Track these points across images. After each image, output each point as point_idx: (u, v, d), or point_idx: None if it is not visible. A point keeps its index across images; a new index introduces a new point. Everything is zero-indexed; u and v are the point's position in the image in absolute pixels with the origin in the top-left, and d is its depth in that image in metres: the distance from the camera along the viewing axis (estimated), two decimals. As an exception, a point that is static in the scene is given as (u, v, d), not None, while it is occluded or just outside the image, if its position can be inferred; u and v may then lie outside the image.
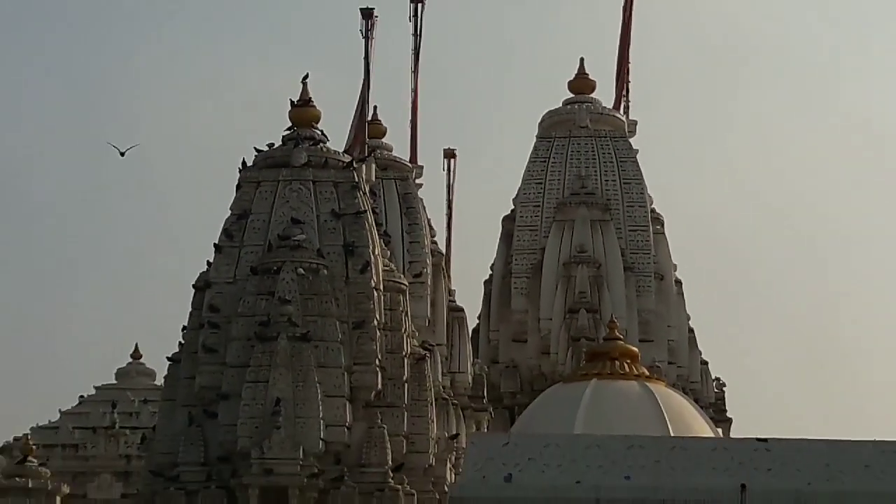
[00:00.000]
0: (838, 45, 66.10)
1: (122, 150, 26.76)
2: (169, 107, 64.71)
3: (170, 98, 66.85)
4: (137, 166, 59.92)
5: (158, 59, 63.46)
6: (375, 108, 22.14)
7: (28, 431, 24.12)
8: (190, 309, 16.47)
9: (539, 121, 26.16)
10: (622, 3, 26.81)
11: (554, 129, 25.48)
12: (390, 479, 14.85)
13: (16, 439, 24.26)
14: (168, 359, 16.60)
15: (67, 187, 61.30)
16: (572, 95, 26.29)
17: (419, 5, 22.27)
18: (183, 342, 16.30)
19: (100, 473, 24.62)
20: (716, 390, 25.49)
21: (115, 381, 27.22)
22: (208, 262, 16.42)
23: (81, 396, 26.89)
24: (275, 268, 15.30)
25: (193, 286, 16.73)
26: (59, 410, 26.32)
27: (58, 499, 20.31)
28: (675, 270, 26.07)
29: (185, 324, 16.42)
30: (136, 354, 28.15)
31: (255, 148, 16.98)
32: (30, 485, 19.89)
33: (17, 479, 20.04)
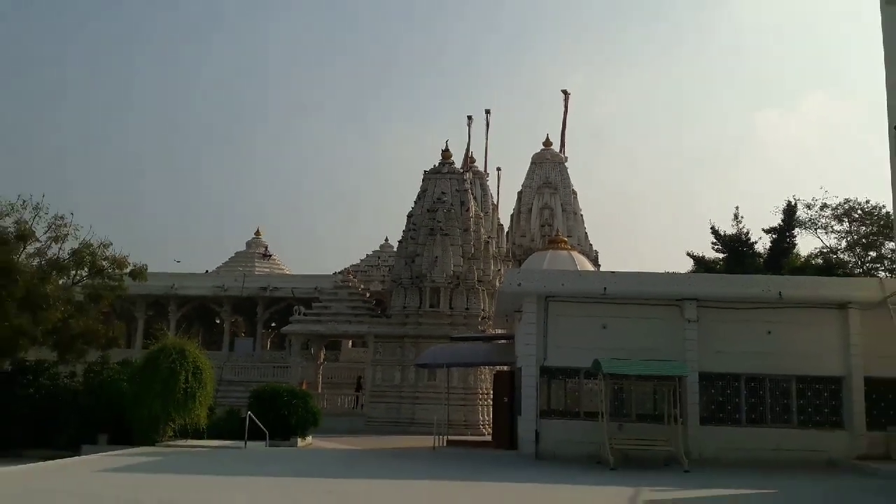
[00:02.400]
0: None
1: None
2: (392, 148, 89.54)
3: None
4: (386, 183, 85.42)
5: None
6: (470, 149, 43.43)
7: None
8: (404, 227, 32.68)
9: (531, 157, 46.03)
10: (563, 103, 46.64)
11: (538, 158, 45.71)
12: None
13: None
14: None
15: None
16: (543, 148, 46.25)
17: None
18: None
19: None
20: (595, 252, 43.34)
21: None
22: (410, 212, 36.09)
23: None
24: (436, 208, 34.92)
25: (408, 216, 31.99)
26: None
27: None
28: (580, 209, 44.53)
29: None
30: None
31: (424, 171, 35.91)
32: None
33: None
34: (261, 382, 26.70)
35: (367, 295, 33.38)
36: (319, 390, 30.27)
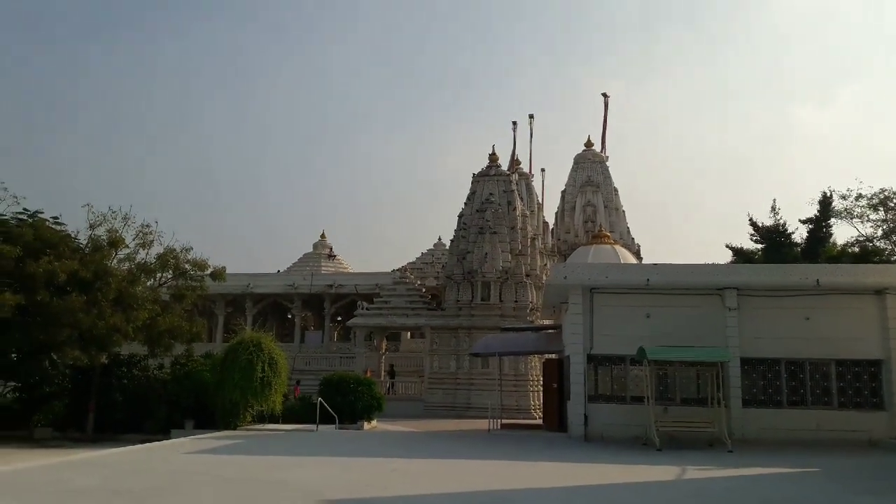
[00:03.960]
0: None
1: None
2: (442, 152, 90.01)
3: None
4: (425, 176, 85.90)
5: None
6: (515, 152, 43.36)
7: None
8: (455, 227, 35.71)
9: (574, 157, 45.50)
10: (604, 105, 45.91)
11: (580, 158, 45.12)
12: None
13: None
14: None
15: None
16: (585, 148, 45.71)
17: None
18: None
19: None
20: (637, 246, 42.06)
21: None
22: (461, 212, 36.44)
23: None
24: (485, 208, 35.30)
25: (459, 216, 32.55)
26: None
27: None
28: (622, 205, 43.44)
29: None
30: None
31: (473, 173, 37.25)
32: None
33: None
34: (329, 371, 27.10)
35: (423, 290, 33.55)
36: (383, 378, 30.57)
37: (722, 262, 35.08)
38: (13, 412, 21.84)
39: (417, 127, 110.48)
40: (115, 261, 22.09)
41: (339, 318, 43.56)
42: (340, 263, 47.70)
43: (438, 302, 31.97)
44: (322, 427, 19.51)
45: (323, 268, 45.03)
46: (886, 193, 31.48)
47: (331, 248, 48.55)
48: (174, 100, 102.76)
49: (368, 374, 26.77)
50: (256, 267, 60.38)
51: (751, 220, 36.75)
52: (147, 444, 15.87)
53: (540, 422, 23.54)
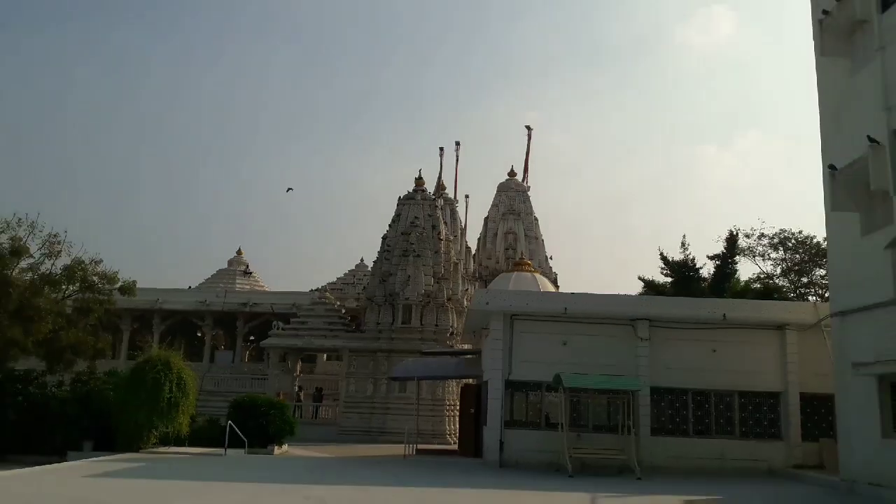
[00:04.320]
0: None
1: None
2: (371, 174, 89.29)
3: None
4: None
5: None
6: (441, 177, 43.85)
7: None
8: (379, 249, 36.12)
9: (497, 185, 46.58)
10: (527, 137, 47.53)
11: (503, 186, 46.25)
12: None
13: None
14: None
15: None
16: (508, 177, 46.88)
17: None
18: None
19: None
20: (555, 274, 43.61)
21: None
22: (385, 234, 36.64)
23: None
24: (410, 231, 35.46)
25: (382, 237, 33.25)
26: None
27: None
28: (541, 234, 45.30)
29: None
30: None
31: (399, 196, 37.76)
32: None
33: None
34: (240, 393, 26.19)
35: (343, 311, 33.14)
36: (295, 401, 29.86)
37: (634, 293, 36.29)
38: None
39: (345, 147, 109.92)
40: (17, 270, 20.85)
41: (253, 338, 42.34)
42: (257, 281, 46.56)
43: (358, 324, 31.66)
44: (231, 451, 18.82)
45: (238, 285, 43.82)
46: (785, 234, 33.53)
47: (247, 265, 47.34)
48: (90, 100, 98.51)
49: (281, 397, 26.08)
50: (167, 282, 58.13)
51: (661, 254, 38.20)
52: (41, 467, 14.85)
53: (455, 447, 23.51)
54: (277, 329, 31.44)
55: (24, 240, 21.27)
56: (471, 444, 20.44)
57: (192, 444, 19.82)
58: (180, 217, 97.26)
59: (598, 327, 18.36)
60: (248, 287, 43.77)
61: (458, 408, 25.12)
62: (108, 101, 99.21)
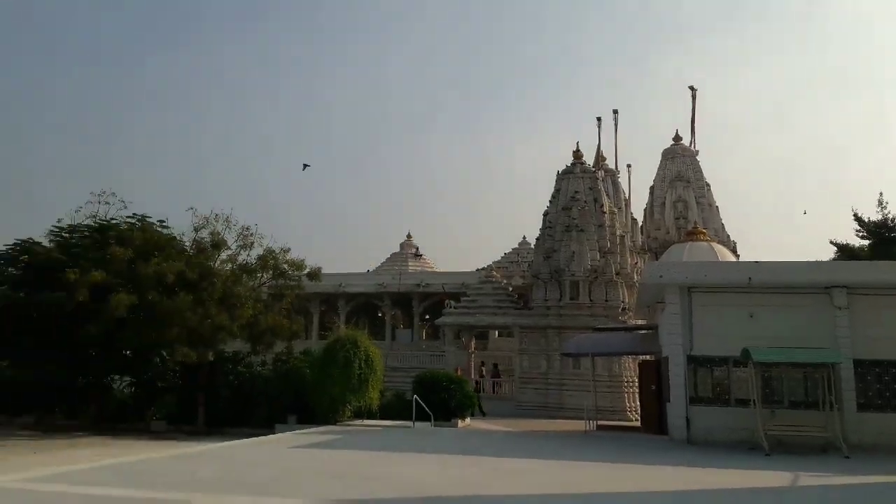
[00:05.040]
0: None
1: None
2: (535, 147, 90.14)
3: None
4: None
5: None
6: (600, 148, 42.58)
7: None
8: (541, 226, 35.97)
9: (661, 152, 43.80)
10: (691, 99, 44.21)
11: (669, 152, 43.42)
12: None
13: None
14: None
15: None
16: (673, 143, 43.81)
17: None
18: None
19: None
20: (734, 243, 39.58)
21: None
22: (546, 210, 36.37)
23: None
24: (570, 206, 34.51)
25: (543, 214, 31.64)
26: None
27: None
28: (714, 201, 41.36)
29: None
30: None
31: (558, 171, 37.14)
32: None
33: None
34: (420, 369, 27.37)
35: (510, 289, 33.40)
36: (472, 376, 30.63)
37: (825, 258, 33.31)
38: (132, 406, 23.13)
39: (497, 123, 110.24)
40: (218, 262, 23.03)
41: (427, 317, 43.97)
42: (426, 263, 48.11)
43: (526, 301, 31.75)
44: (418, 424, 19.73)
45: (410, 267, 45.55)
46: None
47: (417, 248, 49.07)
48: (256, 111, 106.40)
49: (459, 373, 26.88)
50: (348, 266, 61.81)
51: (855, 215, 34.67)
52: (255, 439, 16.46)
53: (637, 424, 23.01)
54: (450, 307, 32.35)
55: (221, 234, 23.42)
56: (654, 420, 19.90)
57: (382, 418, 21.01)
58: (355, 207, 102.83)
59: (787, 297, 17.09)
60: (419, 269, 45.39)
61: (636, 384, 24.52)
62: (301, 93, 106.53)
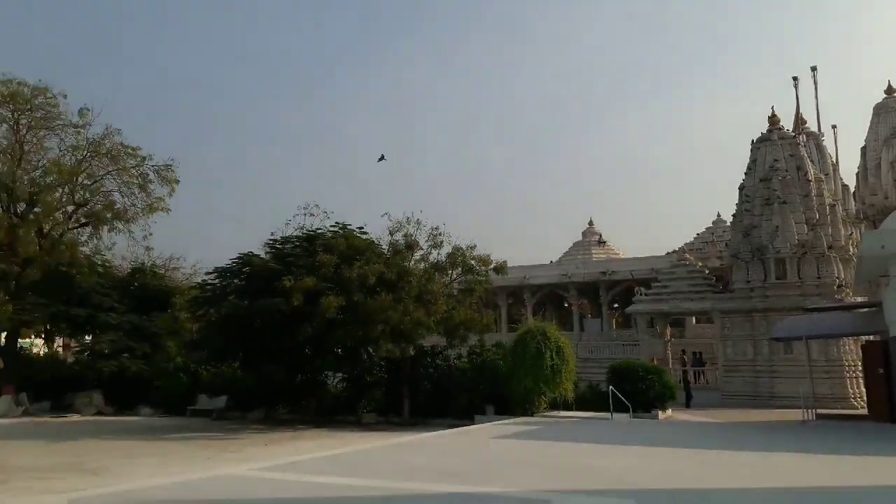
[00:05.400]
0: None
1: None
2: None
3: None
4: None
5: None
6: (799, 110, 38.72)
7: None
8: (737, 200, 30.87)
9: (872, 108, 38.36)
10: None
11: (881, 107, 37.91)
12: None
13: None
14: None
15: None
16: (886, 96, 37.81)
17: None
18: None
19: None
20: None
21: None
22: (741, 184, 32.39)
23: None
24: (770, 176, 27.84)
25: (739, 188, 28.76)
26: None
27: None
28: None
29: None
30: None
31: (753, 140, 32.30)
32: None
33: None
34: (612, 359, 26.83)
35: (706, 271, 31.67)
36: (669, 366, 29.48)
37: None
38: (345, 400, 25.08)
39: (677, 99, 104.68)
40: (412, 262, 24.21)
41: (616, 305, 42.99)
42: (611, 249, 47.00)
43: (725, 283, 29.95)
44: (616, 415, 19.39)
45: (594, 255, 44.78)
46: None
47: (600, 235, 48.09)
48: (444, 106, 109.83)
49: (655, 362, 25.99)
50: (530, 259, 61.94)
51: None
52: (458, 429, 17.16)
53: (864, 412, 20.84)
54: (640, 295, 31.37)
55: (413, 235, 24.57)
56: (883, 407, 17.96)
57: (577, 409, 20.92)
58: (531, 196, 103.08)
59: None
60: (603, 256, 44.50)
61: (859, 368, 22.23)
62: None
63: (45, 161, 29.93)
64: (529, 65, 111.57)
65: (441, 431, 16.72)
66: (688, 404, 24.83)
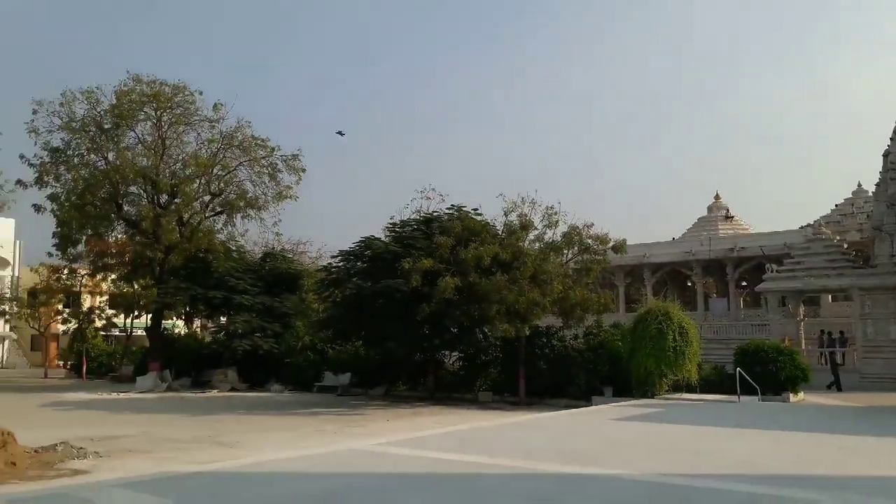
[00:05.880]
0: None
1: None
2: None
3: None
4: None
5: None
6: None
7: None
8: (881, 169, 27.31)
9: None
10: None
11: None
12: None
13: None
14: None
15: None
16: None
17: None
18: None
19: None
20: None
21: None
22: (885, 150, 27.76)
23: None
24: None
25: (883, 155, 26.77)
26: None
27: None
28: None
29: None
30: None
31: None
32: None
33: None
34: (740, 340, 25.66)
35: (845, 246, 29.47)
36: (803, 347, 27.74)
37: None
38: (461, 378, 25.51)
39: (812, 64, 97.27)
40: (527, 242, 24.09)
41: (744, 283, 40.92)
42: (739, 224, 44.63)
43: (866, 258, 27.75)
44: (743, 398, 18.54)
45: (720, 231, 42.70)
46: None
47: (727, 210, 45.74)
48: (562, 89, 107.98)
49: (787, 343, 24.53)
50: (649, 236, 60.11)
51: None
52: (575, 410, 17.05)
53: None
54: (771, 272, 29.66)
55: (528, 215, 24.38)
56: None
57: (701, 392, 20.18)
58: (655, 175, 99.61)
59: None
60: (731, 232, 42.35)
61: None
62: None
63: (183, 154, 32.21)
64: (662, 34, 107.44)
65: (558, 412, 16.68)
66: (838, 387, 23.35)
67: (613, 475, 8.07)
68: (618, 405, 17.93)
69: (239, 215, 32.65)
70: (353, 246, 25.27)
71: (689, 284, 42.49)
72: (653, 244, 39.91)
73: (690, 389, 20.11)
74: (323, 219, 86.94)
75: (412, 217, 25.38)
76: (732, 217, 44.63)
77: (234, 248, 34.08)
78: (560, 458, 9.41)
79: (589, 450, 10.37)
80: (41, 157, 30.14)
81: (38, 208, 30.65)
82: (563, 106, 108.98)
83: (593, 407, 18.18)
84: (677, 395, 19.76)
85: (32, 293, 39.51)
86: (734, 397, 18.65)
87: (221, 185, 32.22)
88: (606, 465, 8.75)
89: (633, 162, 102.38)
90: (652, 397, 19.48)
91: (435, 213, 25.18)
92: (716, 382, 20.71)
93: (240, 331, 29.48)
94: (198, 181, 31.83)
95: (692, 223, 46.02)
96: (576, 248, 24.54)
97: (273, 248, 35.51)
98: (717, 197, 46.66)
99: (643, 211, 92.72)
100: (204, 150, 32.06)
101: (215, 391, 28.17)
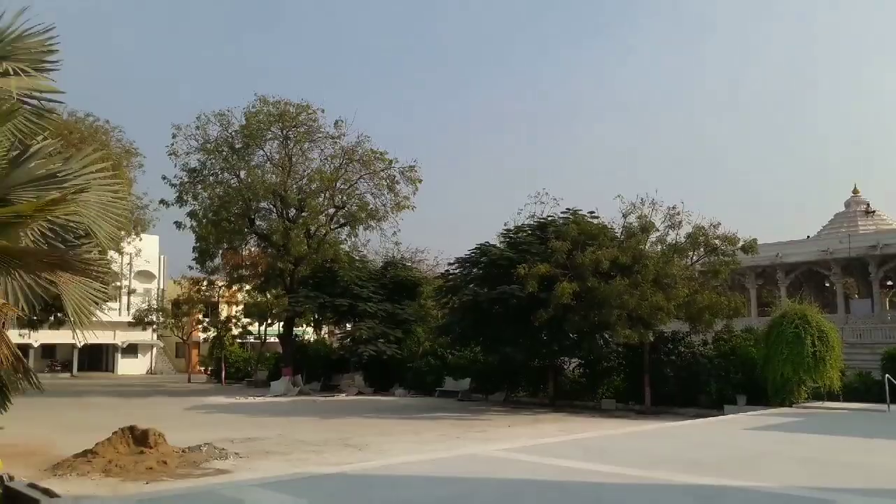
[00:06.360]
0: None
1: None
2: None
3: None
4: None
5: None
6: None
7: None
8: None
9: None
10: None
11: None
12: None
13: None
14: None
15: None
16: None
17: None
18: None
19: None
20: None
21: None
22: None
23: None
24: None
25: None
26: None
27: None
28: None
29: None
30: None
31: None
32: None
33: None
34: (888, 343, 23.68)
35: None
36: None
37: None
38: (582, 385, 25.07)
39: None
40: (648, 244, 23.33)
41: (890, 283, 37.66)
42: (882, 219, 41.14)
43: None
44: (893, 407, 17.03)
45: (860, 227, 39.55)
46: None
47: (867, 204, 42.29)
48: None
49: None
50: (781, 235, 56.61)
51: None
52: (706, 419, 16.29)
53: None
54: (922, 270, 27.14)
55: (648, 217, 23.60)
56: None
57: (844, 400, 18.77)
58: (784, 172, 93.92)
59: None
60: (872, 227, 39.15)
61: None
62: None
63: (308, 170, 33.76)
64: (786, 23, 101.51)
65: (687, 421, 16.01)
66: None
67: (751, 487, 7.66)
68: (752, 414, 16.99)
69: (361, 226, 33.84)
70: (468, 253, 25.52)
71: (828, 285, 39.65)
72: (786, 243, 37.59)
73: (832, 397, 18.74)
74: (439, 227, 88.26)
75: (526, 223, 25.27)
76: (873, 212, 41.24)
77: (357, 257, 35.32)
78: (691, 469, 9.04)
79: (722, 460, 9.90)
80: (181, 178, 32.61)
81: (179, 225, 33.18)
82: (695, 103, 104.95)
83: (725, 416, 17.33)
84: (818, 404, 18.46)
85: (176, 304, 42.63)
86: (882, 406, 17.19)
87: (344, 198, 33.51)
88: (742, 477, 8.31)
89: (766, 159, 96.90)
90: (790, 406, 18.31)
91: (549, 218, 24.94)
92: (861, 390, 19.22)
93: (364, 336, 30.42)
94: (322, 195, 33.26)
95: (829, 220, 42.94)
96: (702, 249, 23.55)
97: (393, 256, 36.50)
98: (855, 191, 43.28)
99: (770, 210, 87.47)
100: (327, 166, 33.50)
101: (343, 395, 29.25)
